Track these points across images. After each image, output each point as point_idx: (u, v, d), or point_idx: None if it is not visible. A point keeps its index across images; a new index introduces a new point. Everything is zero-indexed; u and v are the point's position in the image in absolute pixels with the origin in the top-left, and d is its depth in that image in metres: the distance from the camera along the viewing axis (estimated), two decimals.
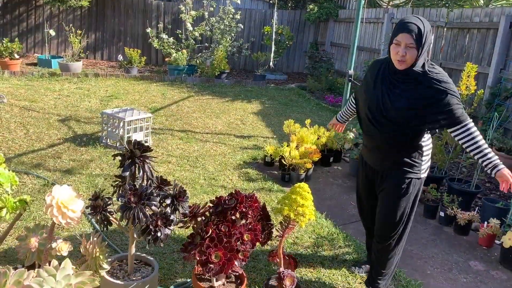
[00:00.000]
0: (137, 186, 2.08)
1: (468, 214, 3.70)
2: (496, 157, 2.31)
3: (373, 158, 2.62)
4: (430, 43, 2.31)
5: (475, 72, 4.35)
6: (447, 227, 3.85)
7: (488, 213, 3.83)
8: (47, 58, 9.17)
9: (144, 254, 2.50)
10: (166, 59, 9.53)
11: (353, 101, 2.88)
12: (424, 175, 2.54)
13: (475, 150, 2.31)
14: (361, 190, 2.86)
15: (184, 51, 9.46)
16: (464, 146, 2.34)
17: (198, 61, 9.68)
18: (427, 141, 2.49)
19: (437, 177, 4.52)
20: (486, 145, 2.31)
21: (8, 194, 2.28)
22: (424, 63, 2.29)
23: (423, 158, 2.49)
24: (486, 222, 3.61)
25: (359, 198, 2.92)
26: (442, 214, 3.90)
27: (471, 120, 2.33)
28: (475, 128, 2.31)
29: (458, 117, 2.29)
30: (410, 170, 2.47)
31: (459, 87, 4.38)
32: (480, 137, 2.31)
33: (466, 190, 4.09)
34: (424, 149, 2.46)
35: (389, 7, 9.20)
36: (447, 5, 6.92)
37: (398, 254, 2.73)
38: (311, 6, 11.12)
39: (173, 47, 9.71)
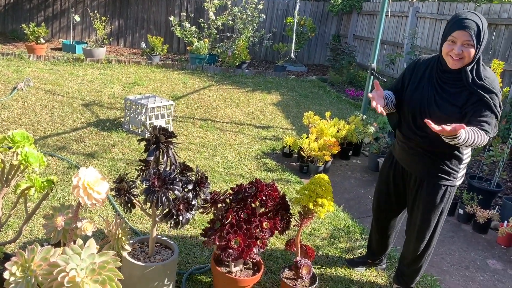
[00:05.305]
0: (161, 171, 2.13)
1: (488, 213, 3.67)
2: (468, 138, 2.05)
3: (409, 161, 2.50)
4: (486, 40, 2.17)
5: (501, 69, 4.27)
6: (465, 225, 3.83)
7: (508, 212, 3.79)
8: (71, 43, 9.31)
9: (164, 238, 2.56)
10: (188, 48, 9.57)
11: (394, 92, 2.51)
12: (459, 182, 2.45)
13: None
14: (383, 190, 2.74)
15: (206, 40, 9.48)
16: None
17: (219, 51, 9.70)
18: (468, 148, 2.37)
19: None
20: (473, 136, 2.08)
21: (36, 174, 2.36)
22: (476, 63, 2.18)
23: (461, 166, 2.40)
24: (506, 221, 3.57)
25: (379, 197, 2.79)
26: (461, 211, 3.87)
27: (489, 135, 2.15)
28: (483, 135, 2.11)
29: (485, 121, 2.16)
30: (447, 177, 2.39)
31: None
32: (475, 136, 2.09)
33: (486, 188, 4.05)
34: (464, 156, 2.37)
35: (414, 0, 9.04)
36: None
37: (430, 256, 2.66)
38: None
39: (195, 36, 9.75)
